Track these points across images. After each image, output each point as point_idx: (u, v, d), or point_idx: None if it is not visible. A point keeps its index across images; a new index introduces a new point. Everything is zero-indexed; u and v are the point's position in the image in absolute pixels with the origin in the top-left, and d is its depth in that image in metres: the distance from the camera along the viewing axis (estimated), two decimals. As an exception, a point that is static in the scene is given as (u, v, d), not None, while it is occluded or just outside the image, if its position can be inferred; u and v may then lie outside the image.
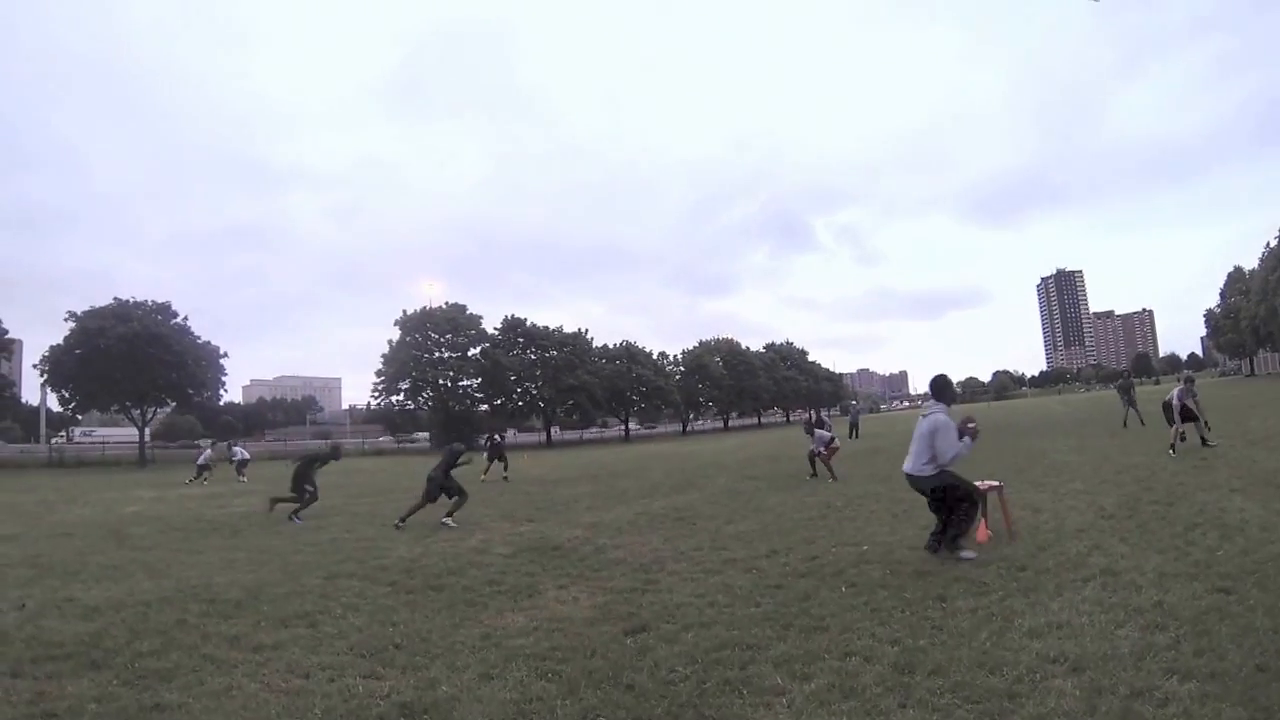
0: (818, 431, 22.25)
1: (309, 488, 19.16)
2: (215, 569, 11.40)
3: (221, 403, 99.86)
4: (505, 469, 29.56)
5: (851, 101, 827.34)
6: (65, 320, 69.22)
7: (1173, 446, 19.86)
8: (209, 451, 41.05)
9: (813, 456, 21.72)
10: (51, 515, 20.78)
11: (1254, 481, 13.12)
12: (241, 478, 37.64)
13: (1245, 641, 5.66)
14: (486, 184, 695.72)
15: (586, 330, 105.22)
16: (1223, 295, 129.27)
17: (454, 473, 17.06)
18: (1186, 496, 12.34)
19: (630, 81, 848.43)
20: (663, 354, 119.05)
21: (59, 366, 68.24)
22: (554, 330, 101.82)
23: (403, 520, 15.95)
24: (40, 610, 8.93)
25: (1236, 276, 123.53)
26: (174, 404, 79.95)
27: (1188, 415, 20.75)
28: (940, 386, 10.18)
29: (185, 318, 74.88)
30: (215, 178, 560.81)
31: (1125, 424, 30.74)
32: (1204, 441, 20.22)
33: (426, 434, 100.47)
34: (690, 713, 5.28)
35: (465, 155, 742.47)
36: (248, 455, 41.37)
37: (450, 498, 16.72)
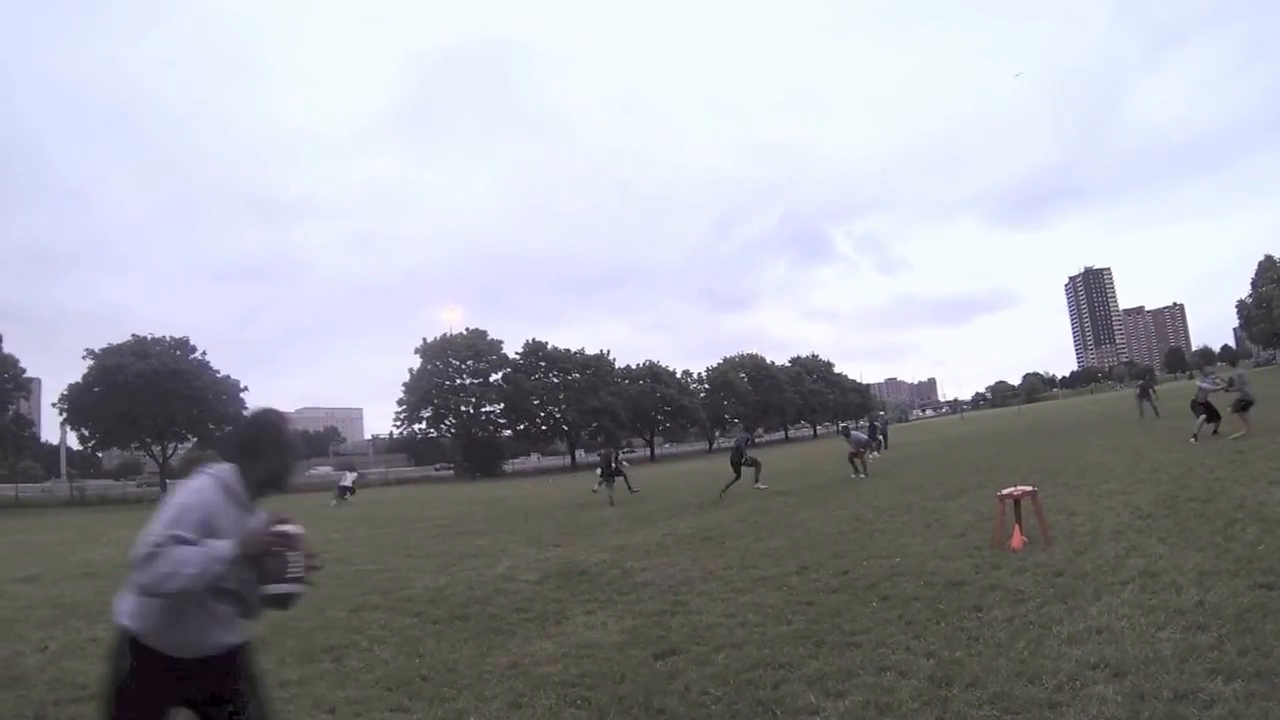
0: (854, 434, 26.95)
1: (744, 463, 25.21)
2: (239, 605, 11.26)
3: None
4: (627, 483, 29.94)
5: (867, 107, 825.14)
6: (83, 358, 70.39)
7: (1195, 436, 20.14)
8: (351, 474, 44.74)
9: (851, 457, 25.91)
10: (73, 555, 20.74)
11: None
12: (347, 499, 40.34)
13: (1292, 638, 5.51)
14: (502, 207, 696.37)
15: (609, 351, 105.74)
16: (1254, 285, 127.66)
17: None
18: (1224, 491, 12.15)
19: (642, 99, 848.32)
20: (686, 372, 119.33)
21: (78, 405, 68.89)
22: (576, 353, 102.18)
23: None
24: (62, 652, 8.88)
25: (1267, 265, 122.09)
26: (195, 439, 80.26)
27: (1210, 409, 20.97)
28: (246, 434, 3.84)
29: (204, 352, 75.80)
30: (228, 210, 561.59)
31: (1141, 415, 32.91)
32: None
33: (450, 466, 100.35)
34: None
35: (479, 179, 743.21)
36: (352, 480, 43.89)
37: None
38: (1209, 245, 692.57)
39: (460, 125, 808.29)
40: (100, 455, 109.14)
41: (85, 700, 6.88)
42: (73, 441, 78.44)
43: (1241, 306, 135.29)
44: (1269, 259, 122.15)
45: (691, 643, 7.43)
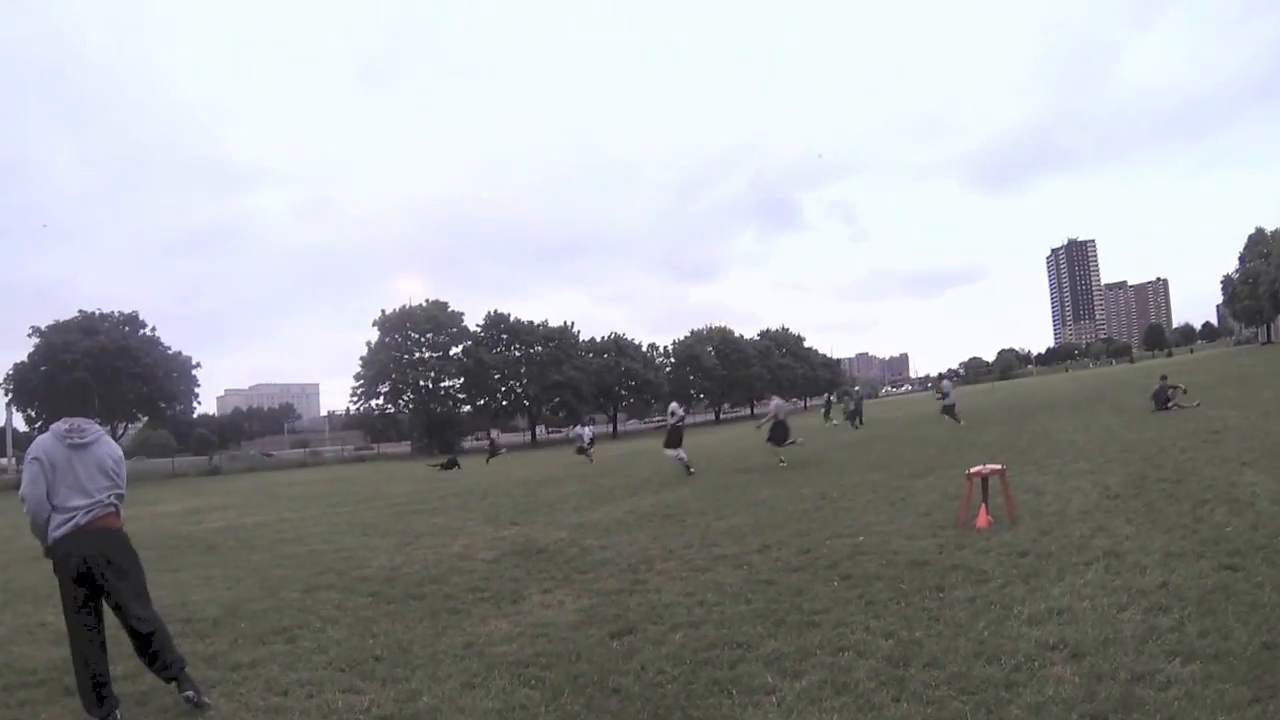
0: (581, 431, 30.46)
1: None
2: (191, 587, 11.12)
3: (195, 415, 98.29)
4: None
5: (839, 68, 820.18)
6: (29, 336, 68.94)
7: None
8: (588, 430, 44.45)
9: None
10: (21, 539, 20.24)
11: (1265, 454, 12.97)
12: (586, 456, 40.25)
13: (1252, 619, 5.54)
14: (460, 175, 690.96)
15: (572, 324, 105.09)
16: (1242, 260, 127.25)
17: None
18: (1195, 472, 12.19)
19: (601, 59, 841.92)
20: (652, 345, 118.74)
21: (24, 385, 67.56)
22: (538, 325, 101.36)
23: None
24: (11, 637, 8.70)
25: (1257, 239, 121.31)
26: (145, 419, 79.31)
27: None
28: None
29: (153, 328, 75.21)
30: (172, 180, 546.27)
31: None
32: None
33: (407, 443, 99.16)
34: (677, 715, 5.14)
35: (436, 146, 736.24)
36: (592, 434, 44.00)
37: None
38: (1198, 217, 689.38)
39: (414, 92, 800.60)
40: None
41: (35, 685, 6.78)
42: (19, 423, 77.10)
43: (1227, 282, 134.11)
44: (1259, 231, 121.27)
45: (649, 622, 7.38)
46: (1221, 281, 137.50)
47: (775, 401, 28.35)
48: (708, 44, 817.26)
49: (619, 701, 5.43)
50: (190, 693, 5.92)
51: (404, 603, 9.18)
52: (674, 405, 26.11)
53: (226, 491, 37.74)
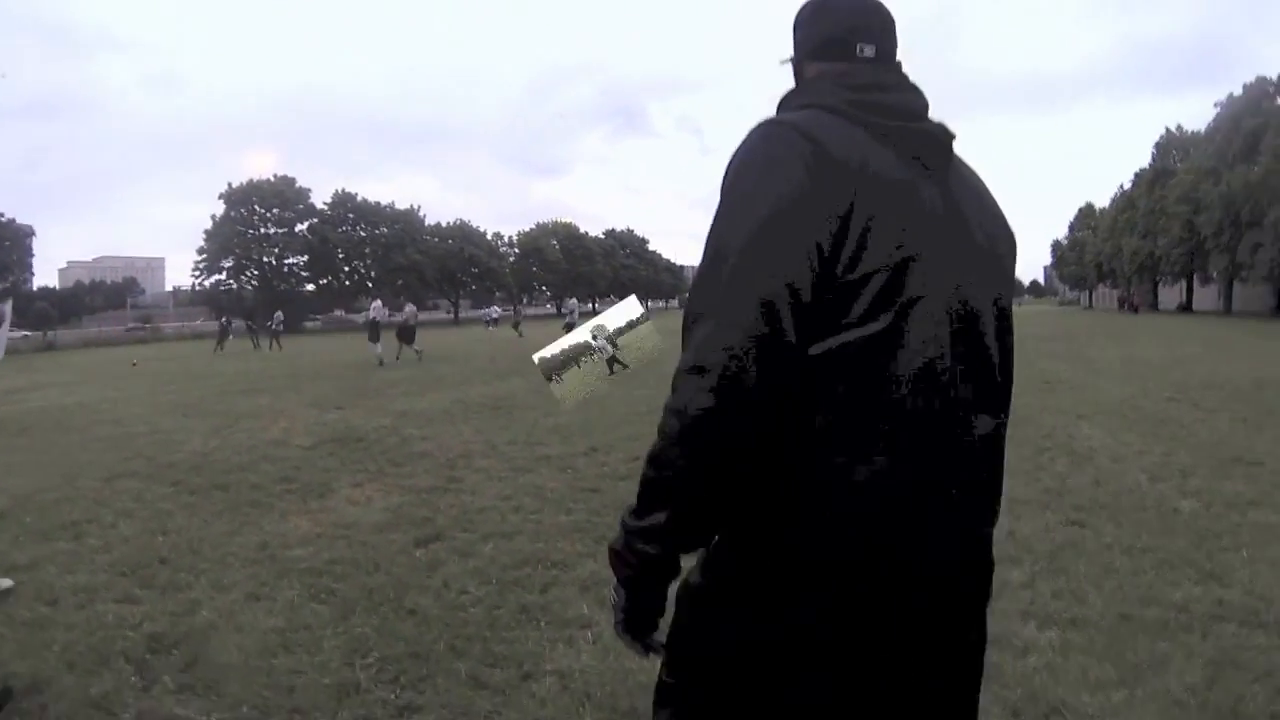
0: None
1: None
2: (-12, 476, 10.21)
3: (34, 287, 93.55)
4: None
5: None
6: None
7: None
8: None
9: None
10: None
11: (1100, 410, 13.05)
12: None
13: (1105, 584, 5.32)
14: (314, 56, 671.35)
15: (419, 207, 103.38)
16: (1072, 228, 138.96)
17: None
18: (1032, 419, 12.08)
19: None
20: (497, 234, 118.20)
21: None
22: (385, 206, 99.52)
23: None
24: None
25: (1087, 212, 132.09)
26: (-23, 293, 75.39)
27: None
28: None
29: (-18, 194, 70.60)
30: (8, 40, 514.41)
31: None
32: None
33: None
34: (478, 647, 4.66)
35: (293, 24, 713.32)
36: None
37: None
38: (1034, 185, 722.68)
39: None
40: None
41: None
42: None
43: (1056, 246, 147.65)
44: (1089, 206, 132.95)
45: (459, 528, 6.97)
46: (1051, 245, 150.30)
47: (375, 304, 30.14)
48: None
49: (414, 625, 4.97)
50: None
51: (207, 493, 8.62)
52: (377, 303, 27.90)
53: (57, 368, 35.57)
